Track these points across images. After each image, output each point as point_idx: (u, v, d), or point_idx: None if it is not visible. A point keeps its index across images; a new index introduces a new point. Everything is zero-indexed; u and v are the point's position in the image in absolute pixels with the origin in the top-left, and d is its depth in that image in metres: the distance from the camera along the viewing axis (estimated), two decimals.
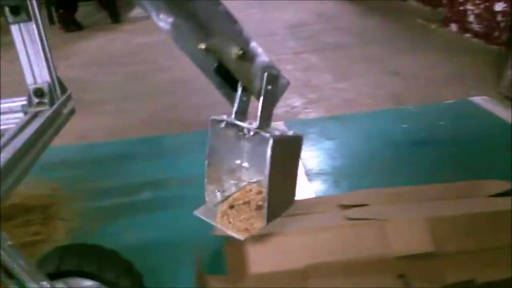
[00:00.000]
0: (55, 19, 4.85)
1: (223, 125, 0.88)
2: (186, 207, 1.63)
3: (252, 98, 0.89)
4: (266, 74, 0.82)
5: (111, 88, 2.99)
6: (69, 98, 1.16)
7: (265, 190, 0.84)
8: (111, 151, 2.12)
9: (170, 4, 0.76)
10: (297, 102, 2.53)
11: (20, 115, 1.12)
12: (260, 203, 0.91)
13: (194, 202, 1.66)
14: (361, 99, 2.49)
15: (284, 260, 1.21)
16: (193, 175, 1.85)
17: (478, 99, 2.34)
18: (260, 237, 1.14)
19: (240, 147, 0.92)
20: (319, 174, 1.83)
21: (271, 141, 0.79)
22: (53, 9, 4.85)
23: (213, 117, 0.88)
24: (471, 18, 3.36)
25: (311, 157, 1.95)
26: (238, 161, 0.95)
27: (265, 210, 0.85)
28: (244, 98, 0.86)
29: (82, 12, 5.07)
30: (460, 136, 2.00)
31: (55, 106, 1.11)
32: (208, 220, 0.92)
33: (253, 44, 0.81)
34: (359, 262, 1.34)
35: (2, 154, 0.85)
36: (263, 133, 0.82)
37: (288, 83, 0.87)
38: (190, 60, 0.84)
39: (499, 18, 3.08)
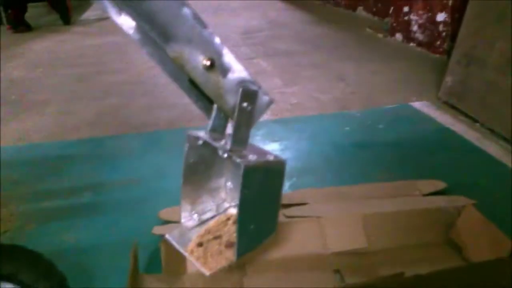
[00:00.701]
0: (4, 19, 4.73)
1: (200, 142, 0.79)
2: (126, 210, 1.64)
3: None
4: (241, 89, 0.73)
5: (56, 89, 2.91)
6: None
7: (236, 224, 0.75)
8: (51, 152, 2.05)
9: (126, 3, 0.67)
10: None
11: None
12: (233, 238, 0.80)
13: (135, 205, 1.66)
14: (307, 103, 2.54)
15: None
16: (136, 178, 1.83)
17: (418, 104, 2.43)
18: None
19: (222, 165, 0.84)
20: None
21: (242, 169, 0.69)
22: (1, 9, 4.71)
23: (189, 132, 0.79)
24: (415, 28, 3.50)
25: None
26: (222, 180, 0.86)
27: (234, 249, 0.75)
28: (221, 114, 0.77)
29: (33, 13, 4.95)
30: (399, 139, 2.07)
31: None
32: (179, 248, 0.81)
33: (228, 56, 0.72)
34: (296, 259, 1.36)
35: None
36: (235, 158, 0.72)
37: (271, 102, 0.77)
38: (160, 69, 0.76)
39: (441, 28, 3.22)
